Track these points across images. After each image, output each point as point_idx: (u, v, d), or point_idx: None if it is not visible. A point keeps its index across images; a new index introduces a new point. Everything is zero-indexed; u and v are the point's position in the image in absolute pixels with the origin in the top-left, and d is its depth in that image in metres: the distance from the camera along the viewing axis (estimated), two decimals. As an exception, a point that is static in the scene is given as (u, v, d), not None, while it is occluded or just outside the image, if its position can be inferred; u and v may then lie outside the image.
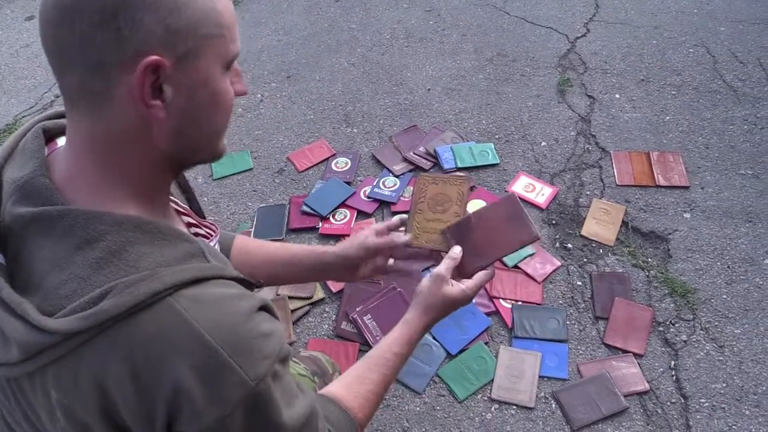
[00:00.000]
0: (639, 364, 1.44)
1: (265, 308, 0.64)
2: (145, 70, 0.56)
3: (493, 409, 1.40)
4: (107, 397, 0.57)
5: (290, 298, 1.62)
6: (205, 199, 1.94)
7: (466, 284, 0.92)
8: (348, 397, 0.82)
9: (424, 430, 1.38)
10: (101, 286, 0.56)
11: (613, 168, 1.87)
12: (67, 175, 0.62)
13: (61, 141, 0.68)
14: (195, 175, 2.02)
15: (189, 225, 0.78)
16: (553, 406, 1.38)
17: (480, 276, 0.94)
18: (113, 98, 0.57)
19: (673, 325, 1.51)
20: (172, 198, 0.76)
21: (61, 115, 0.69)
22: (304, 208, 1.82)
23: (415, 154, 1.96)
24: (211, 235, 0.78)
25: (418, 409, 1.42)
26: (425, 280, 0.93)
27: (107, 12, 0.54)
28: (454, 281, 0.93)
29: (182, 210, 0.78)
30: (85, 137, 0.61)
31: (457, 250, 0.95)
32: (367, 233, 1.01)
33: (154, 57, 0.56)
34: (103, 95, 0.57)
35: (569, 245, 1.70)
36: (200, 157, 0.68)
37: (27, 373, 0.59)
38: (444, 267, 0.92)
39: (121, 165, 0.62)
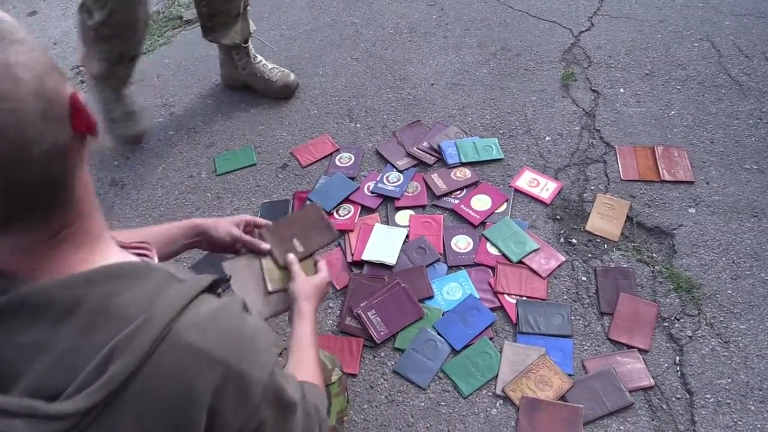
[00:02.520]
0: (644, 360, 1.44)
1: (244, 305, 0.69)
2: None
3: (498, 404, 1.40)
4: None
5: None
6: (209, 194, 1.94)
7: (320, 274, 1.23)
8: (302, 377, 0.93)
9: (428, 425, 1.38)
10: (99, 350, 0.53)
11: (617, 163, 1.86)
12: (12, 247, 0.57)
13: None
14: (198, 171, 2.01)
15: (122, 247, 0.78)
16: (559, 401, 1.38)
17: (322, 265, 1.25)
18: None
19: (678, 320, 1.51)
20: None
21: None
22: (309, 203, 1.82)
23: (418, 149, 1.95)
24: (149, 251, 0.79)
25: (422, 404, 1.42)
26: (291, 284, 1.18)
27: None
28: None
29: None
30: None
31: (291, 256, 1.23)
32: (235, 221, 1.25)
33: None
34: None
35: (574, 240, 1.69)
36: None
37: None
38: (296, 266, 1.21)
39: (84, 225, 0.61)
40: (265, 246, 1.25)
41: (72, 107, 0.55)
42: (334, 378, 1.24)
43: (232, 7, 1.98)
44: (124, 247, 0.75)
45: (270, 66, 2.18)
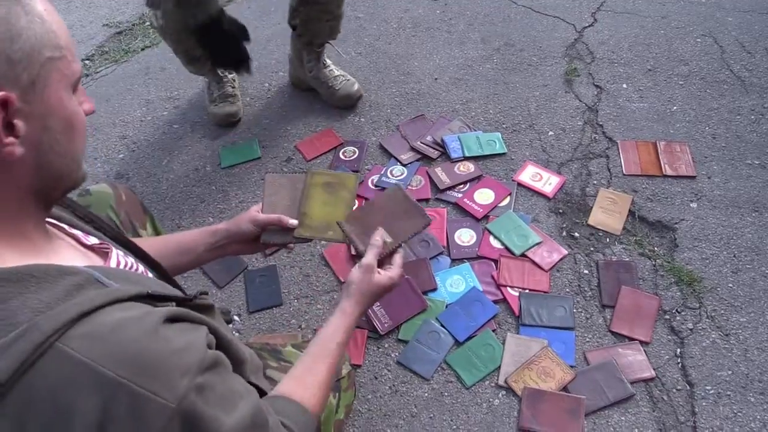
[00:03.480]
0: (645, 352, 1.45)
1: (174, 319, 0.61)
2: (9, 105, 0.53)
3: (500, 395, 1.42)
4: None
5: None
6: (213, 187, 1.95)
7: (392, 272, 1.03)
8: (299, 390, 0.85)
9: (432, 415, 1.40)
10: None
11: (620, 157, 1.87)
12: None
13: None
14: (203, 164, 2.03)
15: (92, 247, 0.75)
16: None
17: (398, 262, 1.05)
18: None
19: (679, 313, 1.52)
20: (60, 225, 0.74)
21: None
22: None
23: (422, 143, 1.96)
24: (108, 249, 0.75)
25: (426, 395, 1.43)
26: (355, 270, 1.00)
27: None
28: (380, 270, 1.02)
29: (74, 233, 0.75)
30: None
31: (378, 238, 1.03)
32: (257, 209, 1.15)
33: (1, 93, 0.54)
34: None
35: (576, 234, 1.70)
36: (65, 186, 0.65)
37: None
38: (371, 256, 1.01)
39: None
40: (293, 221, 1.13)
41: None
42: (344, 372, 1.25)
43: (324, 27, 1.99)
44: (90, 247, 0.74)
45: (336, 73, 2.12)
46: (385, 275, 1.02)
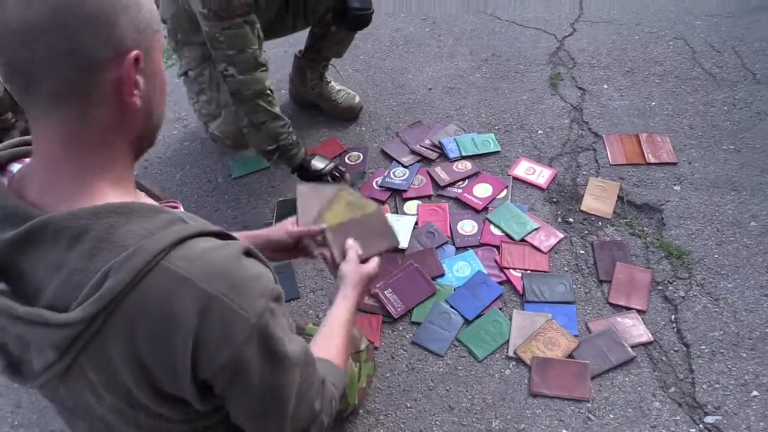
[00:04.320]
0: (642, 320, 1.56)
1: (249, 253, 0.71)
2: (132, 64, 0.64)
3: (511, 365, 1.51)
4: (138, 363, 0.65)
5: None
6: (227, 196, 2.06)
7: (374, 263, 1.19)
8: (326, 352, 0.98)
9: (448, 387, 1.49)
10: (99, 271, 0.61)
11: (606, 150, 2.01)
12: (43, 187, 0.67)
13: (12, 167, 0.73)
14: (215, 176, 2.14)
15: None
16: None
17: (375, 260, 1.21)
18: (96, 96, 0.64)
19: (671, 283, 1.63)
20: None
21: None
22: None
23: (421, 146, 2.09)
24: (177, 206, 0.87)
25: (441, 370, 1.53)
26: (344, 265, 1.17)
27: (91, 18, 0.60)
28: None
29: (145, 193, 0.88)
30: (62, 142, 0.65)
31: (350, 246, 1.21)
32: (292, 221, 1.28)
33: (136, 51, 0.65)
34: (88, 95, 0.63)
35: (570, 220, 1.83)
36: (152, 139, 0.76)
37: (66, 368, 0.66)
38: (353, 254, 1.19)
39: (99, 159, 0.68)
40: (318, 228, 1.25)
41: (129, 61, 0.65)
42: (362, 346, 1.35)
43: (331, 49, 2.13)
44: (159, 201, 0.85)
45: (338, 88, 2.26)
46: (369, 265, 1.19)
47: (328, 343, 1.02)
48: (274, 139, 1.77)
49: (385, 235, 1.29)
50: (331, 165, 1.89)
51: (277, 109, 1.78)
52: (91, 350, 0.64)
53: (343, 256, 1.19)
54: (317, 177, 1.85)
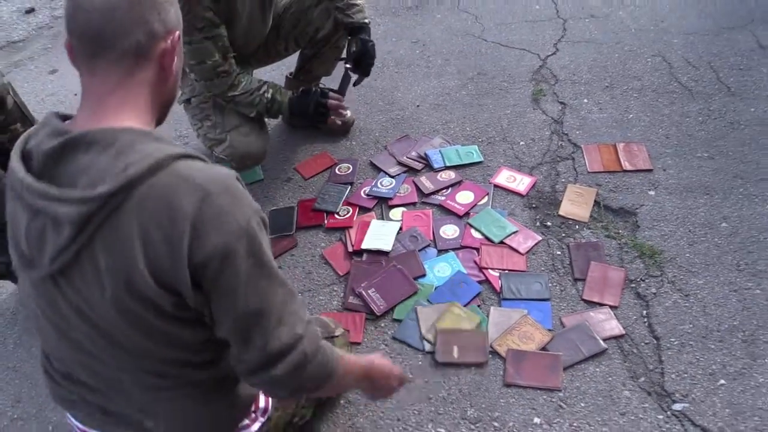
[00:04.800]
0: (615, 315, 1.62)
1: (238, 179, 0.87)
2: (176, 40, 0.89)
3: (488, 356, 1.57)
4: (143, 242, 0.78)
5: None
6: (222, 207, 2.16)
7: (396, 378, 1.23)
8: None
9: (426, 379, 1.55)
10: (122, 164, 0.78)
11: (584, 159, 2.10)
12: (88, 120, 0.85)
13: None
14: (212, 188, 2.25)
15: None
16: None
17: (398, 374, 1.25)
18: (146, 59, 0.87)
19: (644, 281, 1.70)
20: None
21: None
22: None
23: (408, 158, 2.19)
24: None
25: (420, 363, 1.59)
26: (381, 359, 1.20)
27: (155, 2, 0.86)
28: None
29: None
30: (112, 89, 0.85)
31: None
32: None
33: (178, 32, 0.90)
34: (142, 57, 0.86)
35: (548, 223, 1.90)
36: (166, 112, 0.97)
37: (76, 253, 0.79)
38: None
39: (134, 107, 0.87)
40: None
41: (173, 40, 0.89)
42: (338, 333, 1.43)
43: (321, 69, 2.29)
44: None
45: None
46: (394, 374, 1.24)
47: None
48: (250, 105, 1.95)
49: (481, 351, 1.56)
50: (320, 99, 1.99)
51: (242, 87, 1.92)
52: (106, 229, 0.78)
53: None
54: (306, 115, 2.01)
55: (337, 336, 1.42)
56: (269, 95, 1.95)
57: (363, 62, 2.04)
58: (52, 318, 0.88)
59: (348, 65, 2.06)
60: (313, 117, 1.99)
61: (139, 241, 0.78)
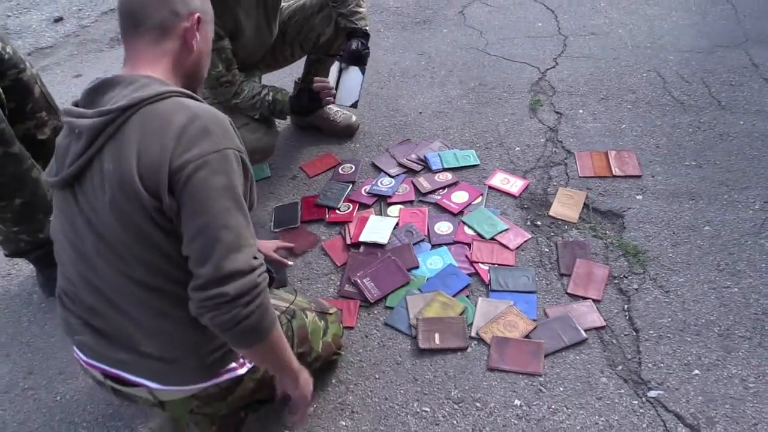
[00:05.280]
0: (597, 308, 1.69)
1: (233, 125, 1.05)
2: (196, 20, 1.11)
3: (473, 344, 1.65)
4: (140, 149, 0.96)
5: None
6: (230, 201, 2.27)
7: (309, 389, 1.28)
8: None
9: (414, 362, 1.63)
10: (137, 93, 1.00)
11: (576, 164, 2.19)
12: (124, 71, 1.09)
13: None
14: (221, 184, 2.36)
15: None
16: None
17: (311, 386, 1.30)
18: (172, 33, 1.08)
19: (626, 277, 1.77)
20: None
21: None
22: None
23: (408, 160, 2.30)
24: None
25: (409, 348, 1.67)
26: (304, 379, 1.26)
27: None
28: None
29: None
30: (144, 54, 1.07)
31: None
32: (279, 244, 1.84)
33: (198, 14, 1.11)
34: (168, 31, 1.08)
35: (539, 223, 1.99)
36: (196, 86, 1.16)
37: (89, 159, 0.99)
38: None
39: (163, 66, 1.08)
40: (289, 263, 1.84)
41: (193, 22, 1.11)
42: (332, 311, 1.52)
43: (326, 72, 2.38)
44: None
45: (335, 109, 2.51)
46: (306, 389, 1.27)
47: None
48: (254, 107, 2.07)
49: (461, 337, 1.65)
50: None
51: (245, 95, 2.04)
52: (115, 140, 0.98)
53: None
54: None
55: (330, 313, 1.51)
56: (270, 98, 2.07)
57: (358, 57, 2.15)
58: (69, 234, 1.04)
59: (340, 55, 2.19)
60: (309, 106, 2.11)
61: (137, 148, 0.96)
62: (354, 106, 2.17)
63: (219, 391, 1.19)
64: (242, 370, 1.19)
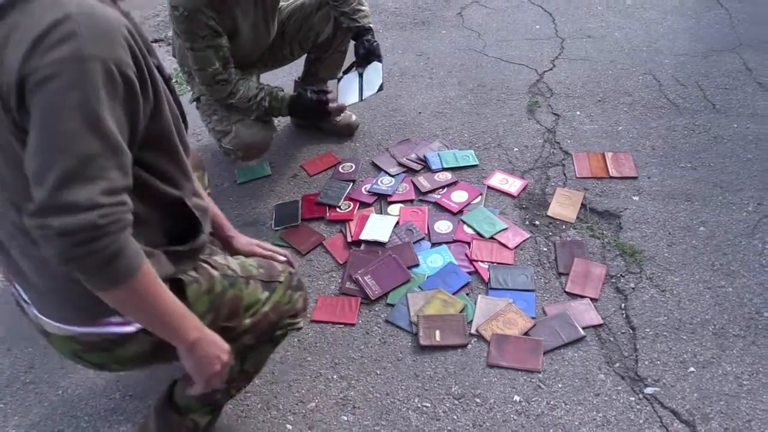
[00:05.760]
0: (594, 306, 1.72)
1: (129, 30, 0.90)
2: None
3: (473, 341, 1.67)
4: (3, 58, 0.84)
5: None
6: (231, 199, 2.29)
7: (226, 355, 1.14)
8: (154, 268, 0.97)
9: (414, 359, 1.65)
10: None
11: (574, 165, 2.22)
12: None
13: None
14: (222, 181, 2.38)
15: None
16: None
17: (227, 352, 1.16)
18: None
19: (623, 277, 1.80)
20: None
21: None
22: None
23: (408, 159, 2.32)
24: None
25: (409, 344, 1.69)
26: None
27: None
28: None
29: None
30: None
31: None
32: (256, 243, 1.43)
33: None
34: None
35: (537, 223, 2.02)
36: None
37: None
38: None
39: None
40: (281, 258, 1.41)
41: None
42: (281, 278, 1.33)
43: (327, 71, 2.43)
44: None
45: None
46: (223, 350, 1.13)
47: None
48: (249, 109, 2.09)
49: (461, 334, 1.66)
50: (315, 97, 2.09)
51: (240, 95, 2.04)
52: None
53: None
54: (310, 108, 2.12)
55: (280, 281, 1.31)
56: (266, 103, 2.08)
57: (371, 60, 2.18)
58: None
59: (341, 76, 2.23)
60: (316, 115, 2.14)
61: (4, 50, 0.84)
62: (380, 89, 2.17)
63: (101, 341, 1.09)
64: (130, 328, 1.07)
